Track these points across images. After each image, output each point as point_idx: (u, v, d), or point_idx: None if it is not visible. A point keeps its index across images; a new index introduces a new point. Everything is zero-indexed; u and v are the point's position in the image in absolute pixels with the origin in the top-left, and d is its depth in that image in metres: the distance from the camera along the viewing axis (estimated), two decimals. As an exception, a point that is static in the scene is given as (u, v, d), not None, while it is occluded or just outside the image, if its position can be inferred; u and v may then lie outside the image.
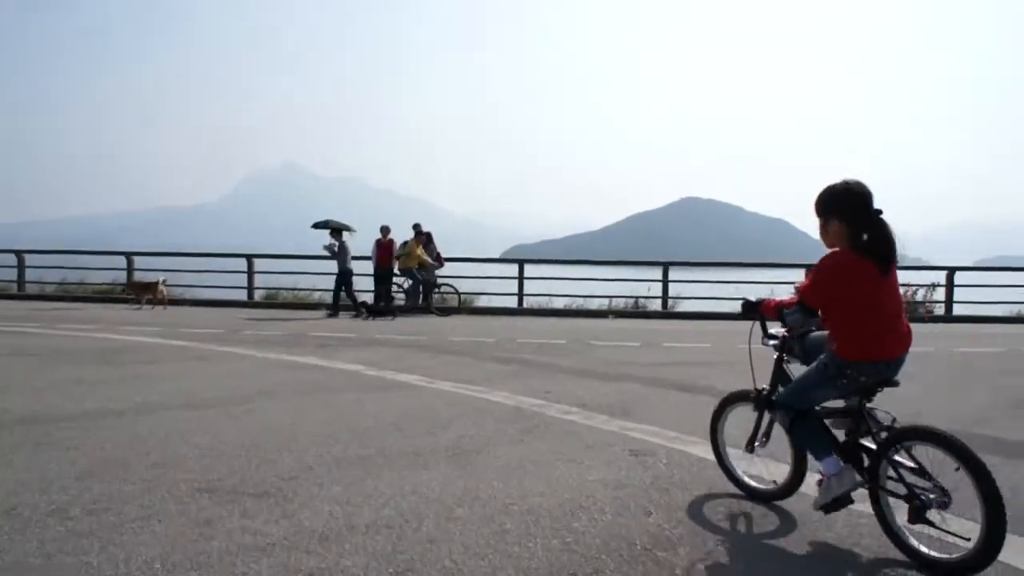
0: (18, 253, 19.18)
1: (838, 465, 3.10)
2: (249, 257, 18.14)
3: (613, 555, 2.95)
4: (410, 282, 15.78)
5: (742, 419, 3.75)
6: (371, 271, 15.85)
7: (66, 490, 3.59)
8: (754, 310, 3.42)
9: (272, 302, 17.37)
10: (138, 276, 17.52)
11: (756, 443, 3.58)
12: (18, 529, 3.11)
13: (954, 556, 2.75)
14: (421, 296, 15.81)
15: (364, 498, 3.54)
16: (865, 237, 2.95)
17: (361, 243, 16.09)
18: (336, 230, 15.40)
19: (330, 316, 14.67)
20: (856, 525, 3.29)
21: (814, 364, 3.20)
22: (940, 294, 17.34)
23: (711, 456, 3.98)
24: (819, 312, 3.11)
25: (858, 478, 3.06)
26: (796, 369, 3.46)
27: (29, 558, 2.83)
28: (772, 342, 3.50)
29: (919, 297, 17.56)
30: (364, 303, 15.30)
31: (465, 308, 15.87)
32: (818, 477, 3.24)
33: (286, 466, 4.07)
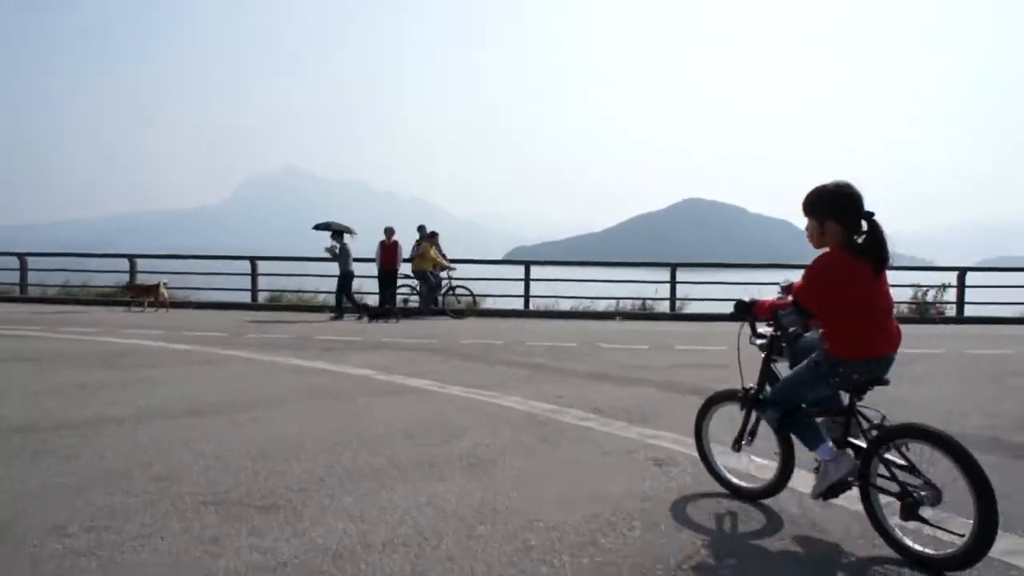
0: (20, 256, 19.04)
1: (833, 451, 3.11)
2: (253, 259, 17.98)
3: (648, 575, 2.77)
4: (424, 285, 15.55)
5: (727, 418, 3.73)
6: (375, 273, 15.68)
7: (64, 503, 3.41)
8: (748, 311, 3.41)
9: (276, 304, 17.21)
10: (141, 279, 17.37)
11: (742, 442, 3.59)
12: (12, 547, 2.93)
13: (946, 552, 2.77)
14: (433, 299, 15.58)
15: (379, 512, 3.36)
16: (859, 237, 2.97)
17: (363, 245, 15.92)
18: (337, 232, 15.23)
19: (335, 319, 14.49)
20: (849, 524, 3.26)
21: (805, 362, 3.20)
22: (950, 295, 17.13)
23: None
24: (812, 313, 3.10)
25: (855, 462, 3.05)
26: (783, 369, 3.46)
27: (23, 580, 2.66)
28: (760, 341, 3.50)
29: (930, 298, 17.35)
30: (365, 305, 15.12)
31: (472, 310, 15.67)
32: (813, 465, 3.24)
33: (295, 477, 3.88)
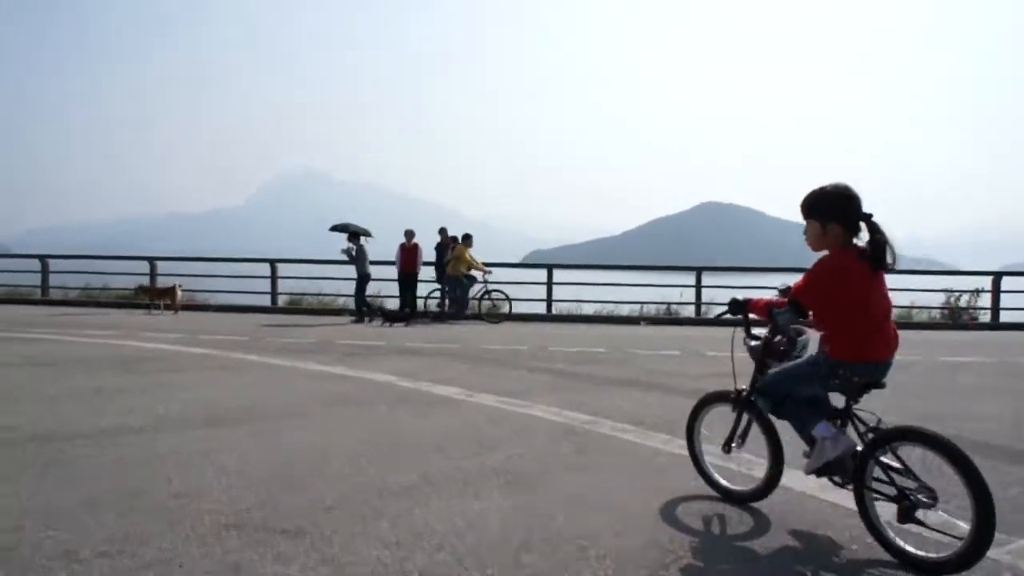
0: (42, 258, 19.04)
1: (831, 429, 3.10)
2: (272, 262, 17.85)
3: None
4: (458, 289, 15.24)
5: (719, 420, 3.70)
6: (395, 276, 15.46)
7: (76, 524, 3.16)
8: (742, 309, 3.42)
9: (296, 307, 17.05)
10: (160, 281, 17.29)
11: (733, 444, 3.58)
12: (18, 574, 2.68)
13: (942, 555, 2.75)
14: (466, 303, 15.26)
15: (414, 537, 3.07)
16: (861, 240, 2.99)
17: (380, 248, 15.70)
18: (354, 234, 15.00)
19: (355, 322, 14.29)
20: (844, 527, 3.23)
21: (804, 358, 3.24)
22: (984, 300, 16.63)
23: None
24: (809, 312, 3.10)
25: (853, 442, 3.05)
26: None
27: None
28: (754, 343, 3.49)
29: (963, 303, 16.85)
30: (380, 308, 14.91)
31: (492, 314, 15.35)
32: (805, 452, 3.23)
33: (321, 495, 3.61)
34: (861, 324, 2.98)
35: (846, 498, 3.16)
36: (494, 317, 15.04)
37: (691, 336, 12.32)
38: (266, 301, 17.29)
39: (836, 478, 3.16)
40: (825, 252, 3.05)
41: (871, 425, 3.02)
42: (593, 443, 4.78)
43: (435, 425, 5.25)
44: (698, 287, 16.62)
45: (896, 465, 2.88)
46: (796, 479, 3.57)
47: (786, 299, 3.17)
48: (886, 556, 2.91)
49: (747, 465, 3.91)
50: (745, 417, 3.54)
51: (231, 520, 3.24)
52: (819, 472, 3.15)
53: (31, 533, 3.05)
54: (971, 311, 16.76)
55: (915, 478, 2.81)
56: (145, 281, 17.61)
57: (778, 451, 3.43)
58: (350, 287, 15.11)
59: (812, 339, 3.34)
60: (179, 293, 15.57)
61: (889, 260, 2.94)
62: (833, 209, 3.00)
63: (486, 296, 15.36)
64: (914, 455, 2.85)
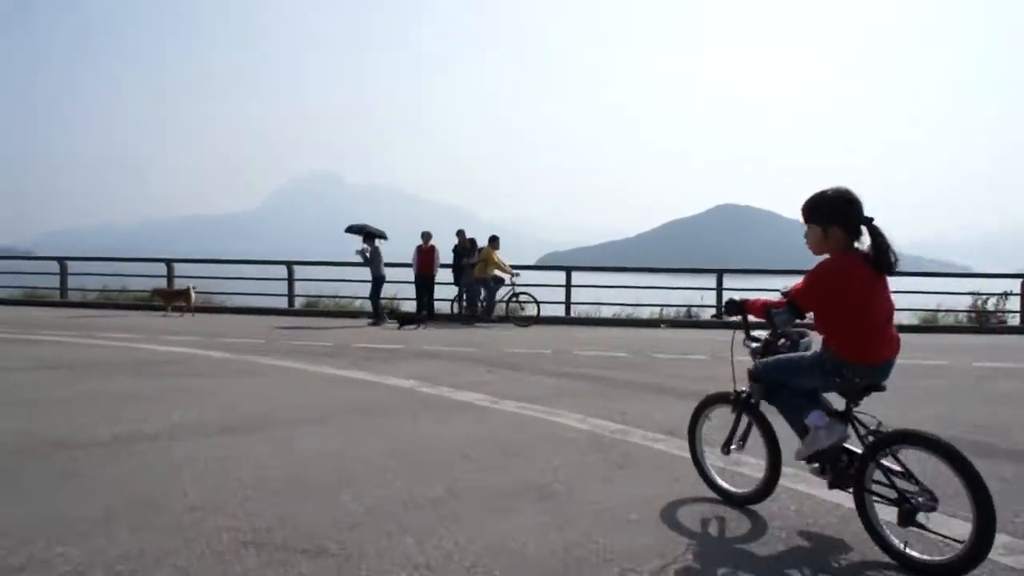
0: (60, 260, 19.10)
1: (825, 418, 3.10)
2: (289, 264, 17.78)
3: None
4: (485, 292, 15.07)
5: (721, 421, 3.66)
6: (411, 278, 15.32)
7: (87, 540, 2.99)
8: (739, 309, 3.42)
9: (312, 310, 16.95)
10: (178, 283, 17.27)
11: (732, 446, 3.56)
12: (25, 597, 2.52)
13: (943, 558, 2.73)
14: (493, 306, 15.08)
15: (444, 558, 2.87)
16: (863, 243, 2.99)
17: (395, 250, 15.55)
18: (369, 236, 14.86)
19: (372, 324, 14.15)
20: (843, 530, 3.21)
21: (809, 352, 3.23)
22: (1013, 303, 16.22)
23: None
24: (806, 314, 3.10)
25: (846, 431, 3.06)
26: None
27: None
28: (754, 345, 3.48)
29: (990, 306, 16.47)
30: (392, 310, 14.78)
31: (520, 317, 15.13)
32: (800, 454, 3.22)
33: (343, 509, 3.42)
34: (862, 327, 2.99)
35: (846, 500, 3.12)
36: (522, 320, 14.83)
37: (714, 339, 12.01)
38: (281, 303, 17.22)
39: (816, 464, 3.18)
40: (826, 256, 3.05)
41: (871, 428, 3.02)
42: (626, 454, 4.57)
43: (459, 433, 5.06)
44: (719, 289, 16.35)
45: (896, 468, 2.88)
46: (797, 480, 3.58)
47: (785, 300, 3.17)
48: (886, 559, 2.87)
49: (747, 466, 3.87)
50: (745, 419, 3.53)
51: (249, 537, 3.05)
52: (810, 459, 3.18)
53: (41, 550, 2.88)
54: (999, 314, 16.37)
55: (915, 481, 2.81)
56: (162, 283, 17.60)
57: (776, 453, 3.41)
58: (367, 289, 14.98)
59: (815, 341, 3.30)
60: (193, 295, 15.52)
61: (892, 259, 2.93)
62: (834, 213, 3.01)
63: (514, 299, 15.17)
64: (914, 458, 2.86)
